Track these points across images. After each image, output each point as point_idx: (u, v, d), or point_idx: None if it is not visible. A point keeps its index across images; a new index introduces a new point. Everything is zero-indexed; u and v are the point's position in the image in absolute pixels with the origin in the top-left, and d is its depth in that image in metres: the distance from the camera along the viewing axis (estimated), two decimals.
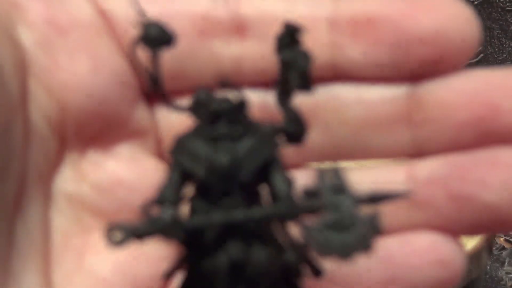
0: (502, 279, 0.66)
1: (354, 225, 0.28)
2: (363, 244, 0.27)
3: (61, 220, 0.41)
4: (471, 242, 0.55)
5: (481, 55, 1.03)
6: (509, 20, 1.04)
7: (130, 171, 0.42)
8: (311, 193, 0.30)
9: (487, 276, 0.63)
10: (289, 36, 0.34)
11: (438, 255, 0.40)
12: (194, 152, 0.32)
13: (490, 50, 1.04)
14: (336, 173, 0.30)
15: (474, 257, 0.54)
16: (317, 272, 0.36)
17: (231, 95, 0.34)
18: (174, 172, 0.33)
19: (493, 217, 0.39)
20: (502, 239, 0.68)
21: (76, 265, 0.41)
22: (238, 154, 0.32)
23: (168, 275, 0.37)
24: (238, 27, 0.42)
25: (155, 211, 0.32)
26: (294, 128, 0.34)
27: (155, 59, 0.34)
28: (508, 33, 1.04)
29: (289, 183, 0.32)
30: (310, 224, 0.28)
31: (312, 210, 0.30)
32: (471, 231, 0.40)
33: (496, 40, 1.04)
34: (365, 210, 0.29)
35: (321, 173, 0.30)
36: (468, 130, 0.40)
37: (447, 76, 0.41)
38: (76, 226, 0.42)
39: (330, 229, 0.28)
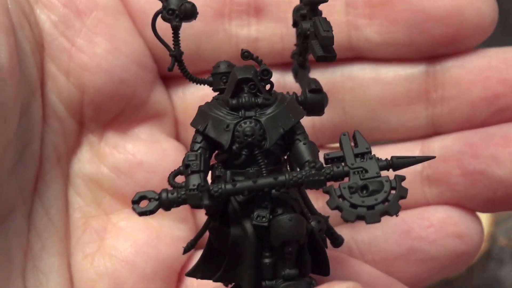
0: (501, 279, 0.67)
1: (381, 189, 0.28)
2: (390, 208, 0.28)
3: (80, 202, 0.41)
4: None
5: None
6: (511, 21, 1.05)
7: (149, 153, 0.42)
8: (334, 159, 0.31)
9: (487, 276, 0.63)
10: (308, 7, 0.35)
11: (455, 229, 0.40)
12: (218, 122, 0.32)
13: None
14: (358, 139, 0.31)
15: (479, 263, 0.54)
16: (336, 242, 0.36)
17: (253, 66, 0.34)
18: (198, 142, 0.33)
19: (506, 193, 0.40)
20: (502, 239, 0.69)
21: (96, 247, 0.41)
22: (262, 123, 0.32)
23: (189, 249, 0.37)
24: (255, 9, 0.42)
25: (182, 180, 0.32)
26: (313, 100, 0.34)
27: (175, 32, 0.33)
28: (511, 34, 1.05)
29: (313, 150, 0.32)
30: (336, 189, 0.29)
31: (339, 176, 0.30)
32: (484, 207, 0.41)
33: (498, 41, 1.05)
34: (388, 175, 0.30)
35: (344, 140, 0.31)
36: (484, 107, 0.41)
37: (463, 55, 0.42)
38: (96, 208, 0.41)
39: (357, 193, 0.29)
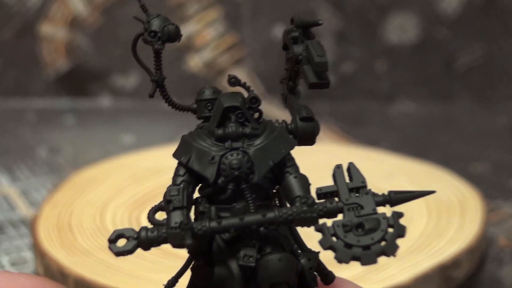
0: (501, 279, 0.66)
1: (377, 227, 0.26)
2: (387, 248, 0.26)
3: None
4: (466, 238, 0.55)
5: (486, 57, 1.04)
6: (511, 21, 1.04)
7: None
8: (327, 194, 0.28)
9: (487, 276, 0.63)
10: (301, 29, 0.32)
11: None
12: (202, 153, 0.30)
13: (493, 51, 1.04)
14: (353, 172, 0.29)
15: (469, 253, 0.54)
16: (327, 278, 0.33)
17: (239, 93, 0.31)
18: (181, 175, 0.30)
19: None
20: (502, 239, 0.68)
21: None
22: (250, 155, 0.30)
23: (170, 285, 0.33)
24: None
25: (163, 217, 0.29)
26: (305, 128, 0.32)
27: (157, 55, 0.31)
28: (511, 34, 1.04)
29: (304, 184, 0.30)
30: (330, 227, 0.27)
31: (332, 212, 0.28)
32: None
33: (498, 42, 1.04)
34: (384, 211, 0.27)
35: (337, 173, 0.29)
36: None
37: None
38: None
39: (351, 231, 0.26)
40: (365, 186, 0.28)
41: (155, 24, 0.31)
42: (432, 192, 0.29)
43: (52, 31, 1.03)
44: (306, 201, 0.28)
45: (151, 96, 0.32)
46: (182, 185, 0.29)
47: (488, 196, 0.73)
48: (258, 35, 1.03)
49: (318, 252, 0.32)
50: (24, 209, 0.67)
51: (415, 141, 0.94)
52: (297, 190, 0.29)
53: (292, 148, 0.31)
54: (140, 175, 0.63)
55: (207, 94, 0.32)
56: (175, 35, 0.31)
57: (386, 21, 1.03)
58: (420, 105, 1.06)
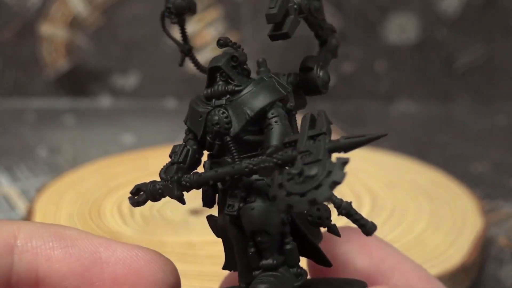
0: (501, 279, 0.66)
1: (316, 174, 0.25)
2: (318, 194, 0.25)
3: None
4: (469, 243, 0.55)
5: (486, 57, 1.04)
6: (511, 21, 1.04)
7: None
8: (291, 143, 0.29)
9: (487, 276, 0.63)
10: None
11: None
12: (195, 113, 0.32)
13: (493, 51, 1.04)
14: (319, 120, 0.29)
15: (474, 258, 0.54)
16: (364, 229, 0.31)
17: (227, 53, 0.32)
18: (186, 134, 0.32)
19: None
20: (502, 239, 0.68)
21: None
22: (229, 112, 0.31)
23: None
24: None
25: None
26: (304, 79, 0.33)
27: (181, 25, 0.33)
28: (511, 34, 1.04)
29: (277, 134, 0.30)
30: (278, 177, 0.26)
31: (287, 161, 0.28)
32: None
33: (498, 41, 1.04)
34: (337, 156, 0.26)
35: (303, 122, 0.29)
36: None
37: None
38: None
39: (293, 180, 0.26)
40: (324, 133, 0.27)
41: (170, 1, 0.32)
42: (384, 135, 0.28)
43: (52, 31, 1.03)
44: (266, 151, 0.29)
45: (181, 65, 0.34)
46: (186, 142, 0.32)
47: (488, 196, 0.73)
48: (258, 35, 1.03)
49: (350, 202, 0.31)
50: (24, 209, 0.68)
51: (415, 141, 0.94)
52: (271, 140, 0.30)
53: (273, 99, 0.31)
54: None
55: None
56: (182, 8, 0.32)
57: (386, 21, 1.03)
58: (420, 105, 1.06)
